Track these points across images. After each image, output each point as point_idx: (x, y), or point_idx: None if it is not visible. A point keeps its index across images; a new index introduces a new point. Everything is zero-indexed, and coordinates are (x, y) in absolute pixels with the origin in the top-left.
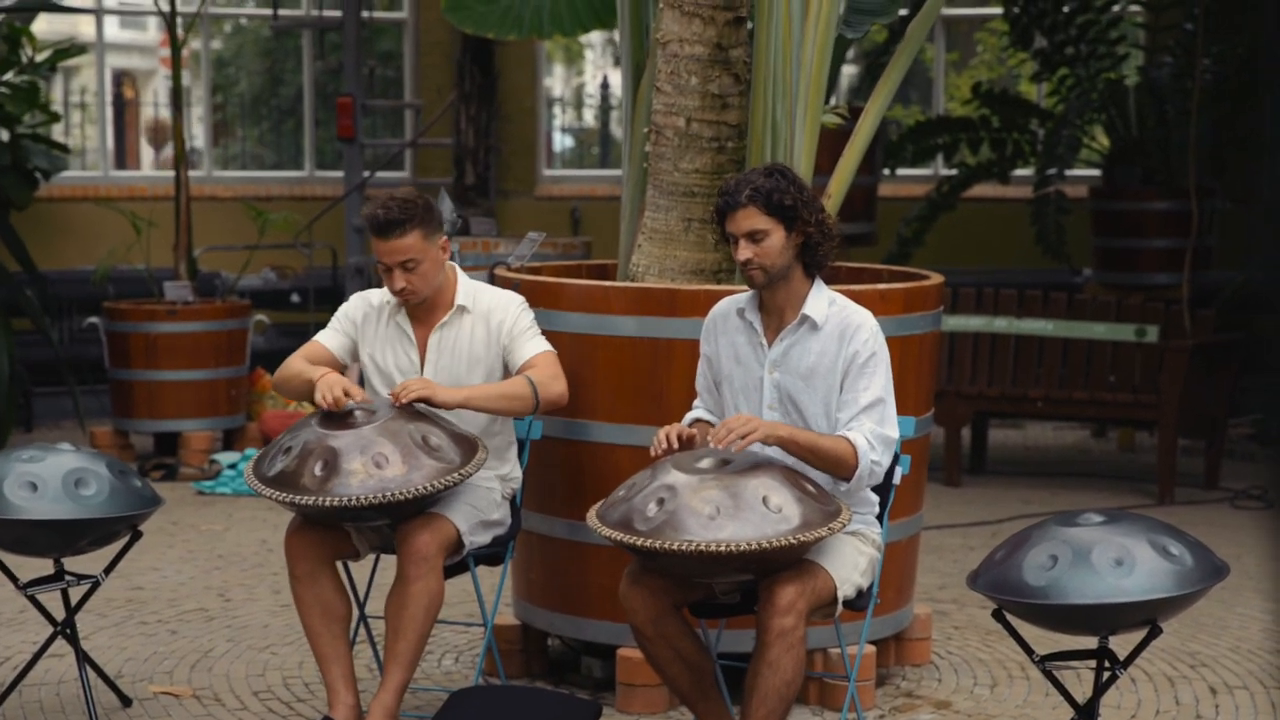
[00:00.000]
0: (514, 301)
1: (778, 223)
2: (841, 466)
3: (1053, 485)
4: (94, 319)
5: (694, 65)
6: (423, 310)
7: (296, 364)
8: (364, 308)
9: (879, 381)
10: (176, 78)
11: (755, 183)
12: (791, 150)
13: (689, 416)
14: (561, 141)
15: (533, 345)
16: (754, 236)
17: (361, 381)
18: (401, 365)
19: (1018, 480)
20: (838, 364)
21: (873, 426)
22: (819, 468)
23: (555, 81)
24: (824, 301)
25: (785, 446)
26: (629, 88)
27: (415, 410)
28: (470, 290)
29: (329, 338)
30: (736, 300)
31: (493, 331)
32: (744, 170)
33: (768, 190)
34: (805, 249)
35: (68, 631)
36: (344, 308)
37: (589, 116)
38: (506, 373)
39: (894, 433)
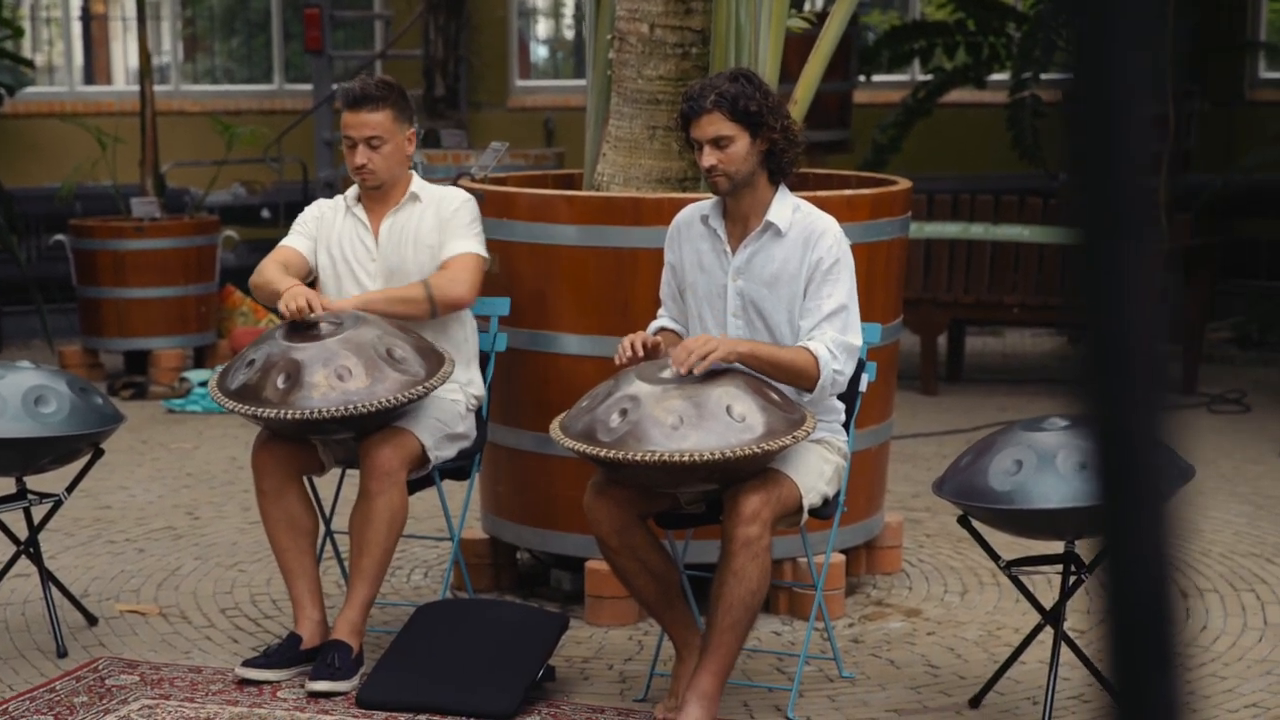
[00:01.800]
0: (462, 195)
1: (742, 129)
2: (803, 378)
3: (1030, 392)
4: (61, 236)
5: None
6: (377, 199)
7: (270, 270)
8: (320, 209)
9: (843, 288)
10: None
11: (720, 88)
12: (756, 55)
13: (653, 325)
14: (537, 52)
15: (458, 245)
16: (718, 142)
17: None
18: (357, 253)
19: (995, 388)
20: (801, 270)
21: (835, 335)
22: (780, 380)
23: None
24: (788, 208)
25: (745, 361)
26: None
27: (382, 322)
28: (423, 185)
29: (295, 240)
30: (700, 207)
31: (441, 219)
32: (708, 76)
33: (733, 95)
34: (770, 156)
35: (31, 550)
36: (302, 215)
37: (559, 26)
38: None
39: (857, 340)
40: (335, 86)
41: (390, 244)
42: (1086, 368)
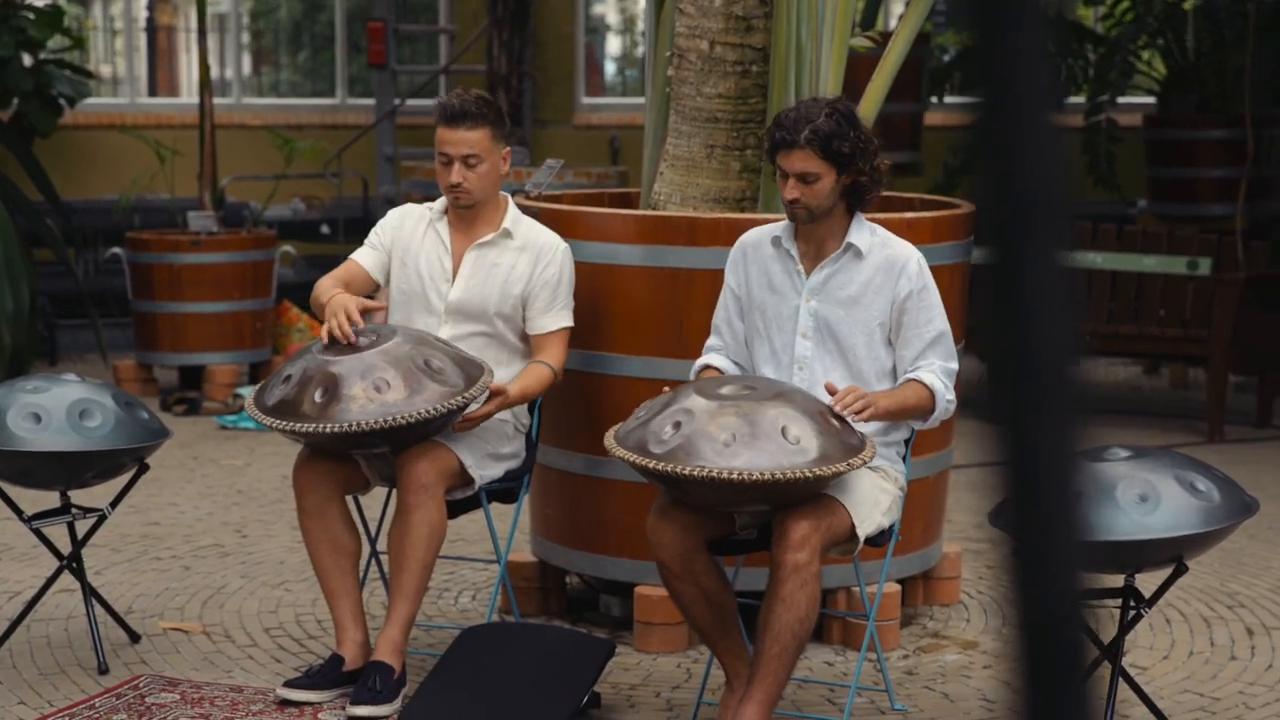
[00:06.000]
0: (562, 249)
1: (830, 167)
2: (920, 413)
3: (1100, 422)
4: (117, 250)
5: None
6: (464, 223)
7: (326, 285)
8: (402, 217)
9: (938, 313)
10: (201, 1)
11: (815, 123)
12: (817, 76)
13: (699, 363)
14: (606, 69)
15: (557, 318)
16: (805, 178)
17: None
18: (433, 271)
19: None
20: (886, 297)
21: (941, 363)
22: (903, 420)
23: (608, 8)
24: (865, 232)
25: (883, 418)
26: (652, 10)
27: (419, 334)
28: (517, 217)
29: (364, 255)
30: (769, 229)
31: (535, 272)
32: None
33: (827, 135)
34: (852, 190)
35: (74, 565)
36: (381, 222)
37: (633, 43)
38: (520, 316)
39: (955, 364)
40: (398, 101)
41: (474, 280)
42: (997, 383)
